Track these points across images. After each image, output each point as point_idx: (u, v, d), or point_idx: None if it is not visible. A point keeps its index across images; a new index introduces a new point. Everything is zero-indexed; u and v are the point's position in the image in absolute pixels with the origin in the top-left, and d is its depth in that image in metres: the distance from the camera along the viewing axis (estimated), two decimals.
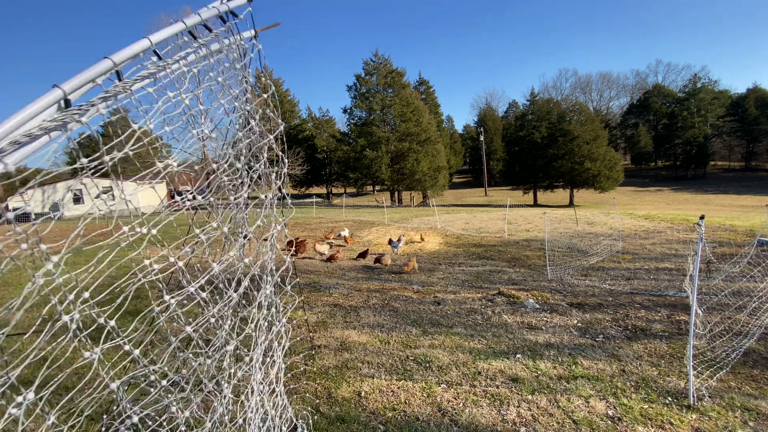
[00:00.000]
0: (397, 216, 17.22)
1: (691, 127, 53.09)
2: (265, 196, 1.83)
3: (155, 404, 1.18)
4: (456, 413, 2.43)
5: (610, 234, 9.83)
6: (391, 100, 37.31)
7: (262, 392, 1.43)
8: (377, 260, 7.09)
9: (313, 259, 8.01)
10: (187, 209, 1.49)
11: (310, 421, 2.33)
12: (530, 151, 40.07)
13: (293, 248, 8.30)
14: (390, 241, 8.95)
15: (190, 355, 1.21)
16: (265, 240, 1.85)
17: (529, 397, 2.60)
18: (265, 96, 1.82)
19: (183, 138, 1.36)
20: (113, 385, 1.11)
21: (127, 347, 1.08)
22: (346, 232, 10.59)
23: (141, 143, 1.15)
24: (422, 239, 9.94)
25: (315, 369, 3.05)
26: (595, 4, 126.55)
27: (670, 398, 2.54)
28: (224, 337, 1.27)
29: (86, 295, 1.21)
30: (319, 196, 42.62)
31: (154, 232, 1.26)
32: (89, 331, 1.34)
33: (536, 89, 48.82)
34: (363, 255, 7.73)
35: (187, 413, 1.19)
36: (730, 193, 41.43)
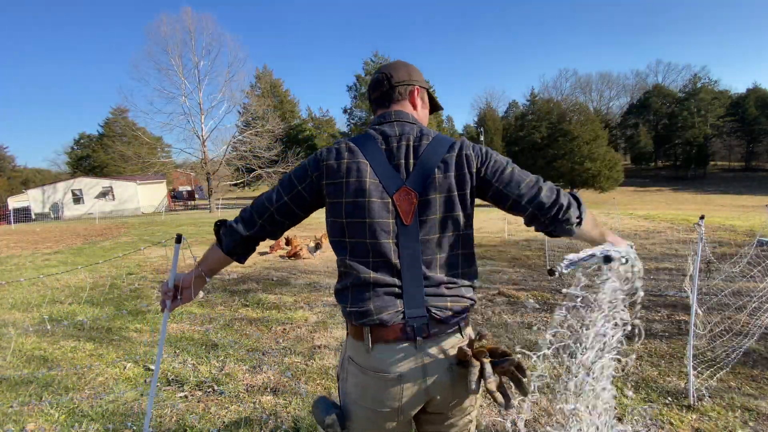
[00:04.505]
0: None
1: (691, 127, 53.04)
2: None
3: None
4: None
5: None
6: None
7: None
8: None
9: (309, 259, 8.01)
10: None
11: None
12: (530, 151, 40.06)
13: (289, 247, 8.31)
14: None
15: None
16: None
17: (529, 396, 2.60)
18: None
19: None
20: None
21: None
22: None
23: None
24: None
25: (315, 369, 3.05)
26: (594, 4, 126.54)
27: (670, 398, 2.54)
28: None
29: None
30: None
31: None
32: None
33: (536, 89, 48.79)
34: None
35: None
36: (730, 193, 41.39)
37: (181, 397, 2.69)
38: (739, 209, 24.37)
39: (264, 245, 8.41)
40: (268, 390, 2.75)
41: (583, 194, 40.73)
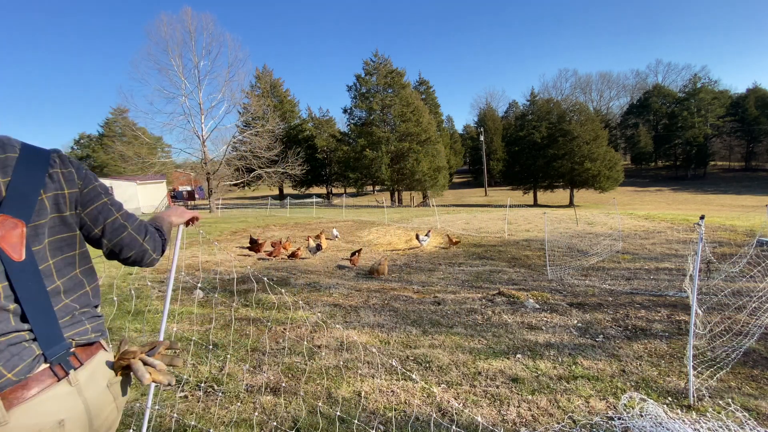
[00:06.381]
0: (397, 216, 17.22)
1: (691, 127, 53.06)
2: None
3: None
4: (456, 413, 2.43)
5: (610, 234, 9.83)
6: (391, 100, 37.27)
7: None
8: (371, 272, 6.42)
9: (307, 258, 8.01)
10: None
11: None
12: (530, 151, 40.04)
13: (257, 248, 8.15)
14: (417, 236, 9.08)
15: None
16: None
17: (529, 397, 2.60)
18: None
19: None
20: None
21: None
22: (336, 232, 10.57)
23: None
24: (452, 242, 9.12)
25: (315, 369, 3.04)
26: (594, 4, 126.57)
27: (670, 398, 2.54)
28: None
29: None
30: (319, 196, 42.63)
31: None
32: None
33: (536, 89, 48.67)
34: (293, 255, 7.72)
35: None
36: (730, 193, 41.40)
37: (181, 397, 2.69)
38: (739, 209, 24.36)
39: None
40: (268, 390, 2.75)
41: (583, 194, 40.77)
